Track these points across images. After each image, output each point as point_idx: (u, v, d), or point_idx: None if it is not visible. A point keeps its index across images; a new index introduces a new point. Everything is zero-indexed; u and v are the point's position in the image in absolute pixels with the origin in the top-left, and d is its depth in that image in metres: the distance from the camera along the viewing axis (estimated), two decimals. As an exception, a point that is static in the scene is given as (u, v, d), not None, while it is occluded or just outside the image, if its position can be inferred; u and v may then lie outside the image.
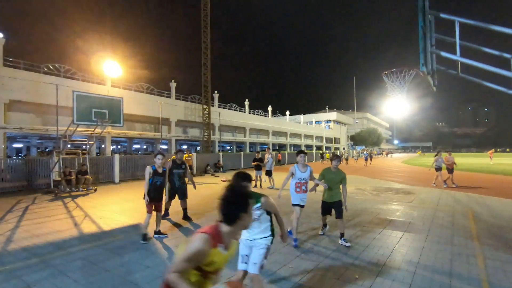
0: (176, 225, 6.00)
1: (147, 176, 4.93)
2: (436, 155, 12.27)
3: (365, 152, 35.44)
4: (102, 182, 13.53)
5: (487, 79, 3.92)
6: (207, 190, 10.76)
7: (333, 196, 4.80)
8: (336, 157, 4.83)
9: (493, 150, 37.43)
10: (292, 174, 4.72)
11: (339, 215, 4.74)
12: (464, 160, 34.94)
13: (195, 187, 6.40)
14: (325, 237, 5.05)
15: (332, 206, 4.82)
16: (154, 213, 5.05)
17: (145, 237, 4.86)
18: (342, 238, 4.71)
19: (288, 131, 46.68)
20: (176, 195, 6.43)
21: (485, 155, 46.17)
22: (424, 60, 4.33)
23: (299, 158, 4.75)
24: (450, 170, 11.75)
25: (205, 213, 7.06)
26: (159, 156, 5.04)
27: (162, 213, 5.55)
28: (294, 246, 4.49)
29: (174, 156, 6.56)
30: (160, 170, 5.04)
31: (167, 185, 6.10)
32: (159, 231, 5.17)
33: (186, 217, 6.40)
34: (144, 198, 4.91)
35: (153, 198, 4.95)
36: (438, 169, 11.89)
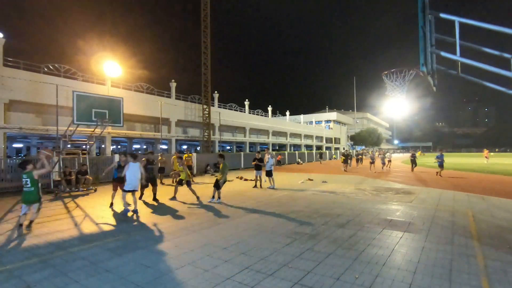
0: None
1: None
2: None
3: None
4: (102, 182, 13.53)
5: (487, 79, 3.92)
6: (206, 190, 10.75)
7: None
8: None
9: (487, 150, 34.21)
10: None
11: None
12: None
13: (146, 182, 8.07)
14: (325, 237, 5.05)
15: None
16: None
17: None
18: None
19: (288, 131, 46.68)
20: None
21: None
22: (424, 60, 4.33)
23: None
24: None
25: (203, 208, 7.08)
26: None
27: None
28: None
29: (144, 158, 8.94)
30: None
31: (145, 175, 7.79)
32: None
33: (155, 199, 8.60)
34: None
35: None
36: None
